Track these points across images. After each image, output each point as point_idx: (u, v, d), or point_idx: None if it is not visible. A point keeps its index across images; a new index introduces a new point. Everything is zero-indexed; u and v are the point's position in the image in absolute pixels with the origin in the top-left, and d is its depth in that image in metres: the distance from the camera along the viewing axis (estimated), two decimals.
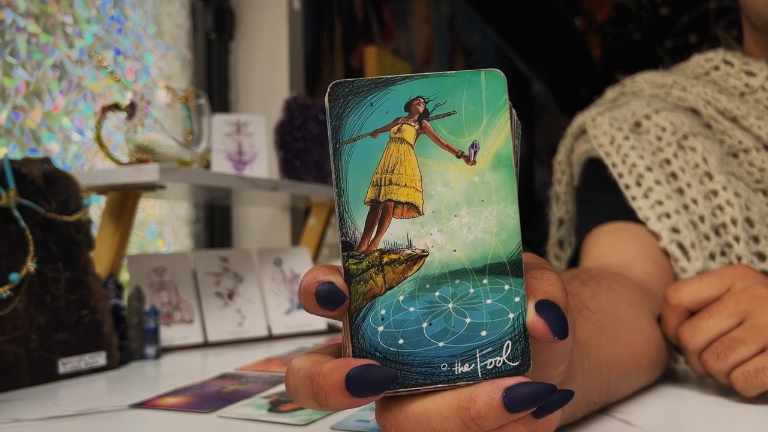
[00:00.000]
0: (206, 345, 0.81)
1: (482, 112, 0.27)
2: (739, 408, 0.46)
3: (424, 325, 0.27)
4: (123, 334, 0.71)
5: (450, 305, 0.27)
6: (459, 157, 0.27)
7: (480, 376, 0.26)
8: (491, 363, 0.27)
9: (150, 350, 0.72)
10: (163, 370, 0.67)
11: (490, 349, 0.27)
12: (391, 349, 0.27)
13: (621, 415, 0.45)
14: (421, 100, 0.27)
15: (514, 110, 0.29)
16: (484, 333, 0.27)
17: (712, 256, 0.64)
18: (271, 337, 0.87)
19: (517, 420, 0.26)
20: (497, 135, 0.27)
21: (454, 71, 0.28)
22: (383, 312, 0.27)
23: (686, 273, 0.63)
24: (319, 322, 0.90)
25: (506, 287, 0.27)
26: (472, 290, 0.27)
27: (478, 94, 0.27)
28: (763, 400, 0.47)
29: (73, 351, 0.63)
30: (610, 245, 0.66)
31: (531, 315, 0.27)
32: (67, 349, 0.62)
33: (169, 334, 0.78)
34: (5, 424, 0.46)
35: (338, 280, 0.27)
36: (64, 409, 0.51)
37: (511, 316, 0.27)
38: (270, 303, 0.89)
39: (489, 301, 0.27)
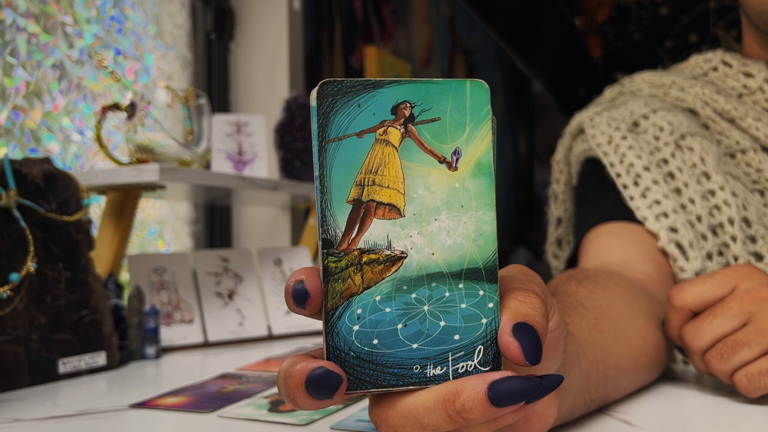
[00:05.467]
0: (206, 345, 0.81)
1: (466, 120, 0.28)
2: (739, 408, 0.46)
3: (400, 326, 0.27)
4: (123, 334, 0.71)
5: (426, 307, 0.27)
6: (441, 163, 0.28)
7: (451, 379, 0.27)
8: (463, 367, 0.27)
9: (150, 350, 0.72)
10: (163, 370, 0.67)
11: (462, 353, 0.27)
12: (365, 348, 0.27)
13: (621, 415, 0.45)
14: (408, 105, 0.28)
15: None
16: (457, 337, 0.27)
17: (709, 256, 0.64)
18: (271, 337, 0.87)
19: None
20: (479, 143, 0.28)
21: (440, 79, 0.28)
22: (359, 311, 0.27)
23: (684, 272, 0.63)
24: (320, 322, 0.90)
25: (481, 293, 0.27)
26: (447, 294, 0.27)
27: (462, 102, 0.28)
28: (764, 400, 0.47)
29: (73, 351, 0.63)
30: (608, 245, 0.66)
31: (507, 335, 0.27)
32: (67, 349, 0.62)
33: (169, 334, 0.78)
34: (5, 424, 0.46)
35: (308, 279, 0.27)
36: (64, 409, 0.51)
37: (484, 321, 0.27)
38: (270, 303, 0.89)
39: (463, 306, 0.27)
